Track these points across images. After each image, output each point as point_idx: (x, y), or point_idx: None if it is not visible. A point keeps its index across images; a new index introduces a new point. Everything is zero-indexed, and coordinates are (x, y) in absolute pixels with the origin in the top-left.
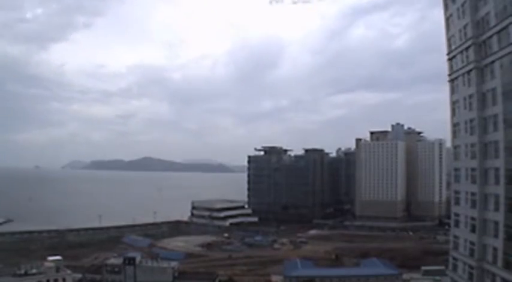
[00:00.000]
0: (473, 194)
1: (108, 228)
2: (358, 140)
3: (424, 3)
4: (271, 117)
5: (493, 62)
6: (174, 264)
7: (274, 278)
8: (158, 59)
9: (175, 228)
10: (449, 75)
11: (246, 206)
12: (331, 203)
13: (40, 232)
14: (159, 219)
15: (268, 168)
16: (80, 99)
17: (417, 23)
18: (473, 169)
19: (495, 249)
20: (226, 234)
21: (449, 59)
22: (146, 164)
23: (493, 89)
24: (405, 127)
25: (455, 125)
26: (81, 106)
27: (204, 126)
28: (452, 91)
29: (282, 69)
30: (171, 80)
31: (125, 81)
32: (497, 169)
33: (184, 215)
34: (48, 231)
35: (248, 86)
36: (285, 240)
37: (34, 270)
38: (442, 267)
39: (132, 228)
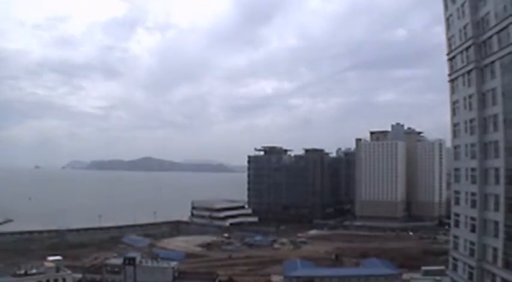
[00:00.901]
0: (473, 194)
1: (108, 228)
2: (358, 140)
3: None
4: (270, 107)
5: (493, 62)
6: (174, 264)
7: (274, 278)
8: (121, 17)
9: (175, 228)
10: (449, 75)
11: (246, 206)
12: (331, 203)
13: (40, 232)
14: (159, 219)
15: (268, 168)
16: (32, 80)
17: None
18: (473, 169)
19: (495, 249)
20: (226, 234)
21: (449, 59)
22: (146, 164)
23: (493, 89)
24: (405, 127)
25: (455, 125)
26: (40, 90)
27: (198, 117)
28: (453, 91)
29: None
30: (142, 50)
31: (82, 52)
32: (497, 169)
33: (184, 215)
34: (48, 231)
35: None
36: (285, 240)
37: (34, 270)
38: (442, 267)
39: (132, 228)
